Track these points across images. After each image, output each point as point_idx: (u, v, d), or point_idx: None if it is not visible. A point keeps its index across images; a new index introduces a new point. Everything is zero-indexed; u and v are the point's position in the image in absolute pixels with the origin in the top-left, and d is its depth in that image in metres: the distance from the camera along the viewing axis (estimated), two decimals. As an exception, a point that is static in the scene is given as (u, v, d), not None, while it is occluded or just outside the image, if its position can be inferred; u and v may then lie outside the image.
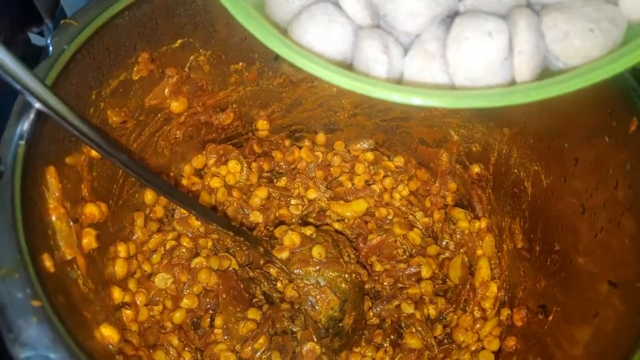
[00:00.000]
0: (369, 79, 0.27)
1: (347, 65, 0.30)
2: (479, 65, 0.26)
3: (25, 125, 0.33)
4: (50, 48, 0.36)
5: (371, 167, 0.64)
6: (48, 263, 0.29)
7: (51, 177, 0.33)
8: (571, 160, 0.43)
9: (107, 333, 0.33)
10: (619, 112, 0.37)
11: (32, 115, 0.33)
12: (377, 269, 0.57)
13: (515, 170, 0.51)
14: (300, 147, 0.63)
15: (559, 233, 0.44)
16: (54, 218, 0.32)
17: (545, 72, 0.28)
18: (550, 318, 0.42)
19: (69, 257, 0.33)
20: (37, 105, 0.32)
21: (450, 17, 0.29)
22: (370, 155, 0.64)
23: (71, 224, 0.34)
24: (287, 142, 0.63)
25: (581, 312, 0.37)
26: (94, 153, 0.40)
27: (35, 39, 1.46)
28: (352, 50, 0.29)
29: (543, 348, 0.42)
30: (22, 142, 0.32)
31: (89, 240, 0.37)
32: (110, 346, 0.33)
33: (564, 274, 0.42)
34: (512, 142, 0.50)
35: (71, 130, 0.33)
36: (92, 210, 0.37)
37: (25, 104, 0.33)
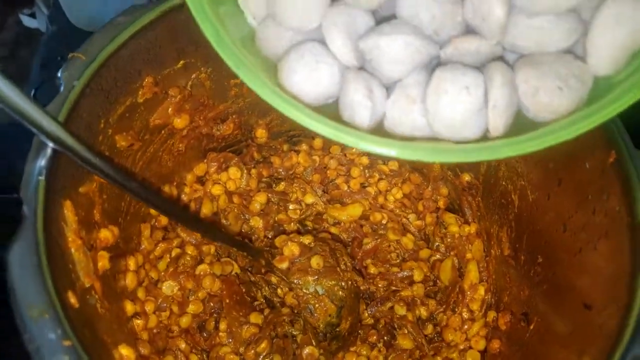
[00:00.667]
0: (351, 130, 0.28)
1: (333, 103, 0.31)
2: (456, 115, 0.28)
3: (43, 162, 0.35)
4: (62, 84, 0.37)
5: (366, 171, 0.67)
6: (72, 300, 0.31)
7: (68, 211, 0.35)
8: (555, 180, 0.45)
9: (125, 353, 0.36)
10: (600, 143, 0.39)
11: (49, 152, 0.35)
12: (372, 272, 0.60)
13: (504, 183, 0.53)
14: (297, 152, 0.65)
15: (543, 247, 0.47)
16: (73, 250, 0.35)
17: (519, 118, 0.30)
18: (532, 327, 0.46)
19: (87, 285, 0.35)
20: (52, 145, 0.34)
21: (430, 65, 0.31)
22: (365, 159, 0.66)
23: (87, 252, 0.37)
24: (285, 147, 0.65)
25: (558, 326, 0.41)
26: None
27: (26, 20, 1.45)
28: (338, 89, 0.30)
29: (525, 355, 0.45)
30: (42, 179, 0.34)
31: (103, 263, 0.40)
32: (128, 365, 0.36)
33: (546, 286, 0.45)
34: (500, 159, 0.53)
35: (85, 166, 0.35)
36: (106, 235, 0.40)
37: (42, 141, 0.35)
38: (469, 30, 0.30)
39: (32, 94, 0.89)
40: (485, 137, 0.29)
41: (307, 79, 0.29)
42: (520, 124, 0.29)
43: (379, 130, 0.30)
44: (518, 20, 0.29)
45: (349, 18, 0.31)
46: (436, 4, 0.29)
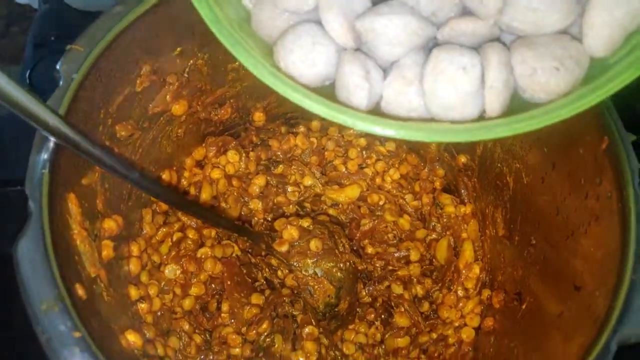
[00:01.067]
0: (348, 110, 0.28)
1: (330, 85, 0.31)
2: (453, 96, 0.28)
3: (45, 155, 0.35)
4: (62, 77, 0.37)
5: (364, 152, 0.67)
6: (80, 291, 0.33)
7: (72, 203, 0.36)
8: (549, 164, 0.46)
9: (132, 339, 0.37)
10: (593, 129, 0.40)
11: (51, 145, 0.36)
12: (369, 252, 0.62)
13: (499, 165, 0.54)
14: (295, 134, 0.66)
15: (536, 228, 0.48)
16: (78, 242, 0.36)
17: (514, 99, 0.30)
18: (524, 306, 0.47)
19: (93, 275, 0.37)
20: (54, 139, 0.34)
21: (427, 47, 0.31)
22: (363, 141, 0.67)
23: (92, 242, 0.38)
24: (283, 129, 0.66)
25: (550, 306, 0.42)
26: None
27: (18, -4, 1.42)
28: (334, 71, 0.30)
29: (517, 332, 0.47)
30: (45, 172, 0.35)
31: (108, 252, 0.41)
32: (136, 350, 0.37)
33: (539, 267, 0.47)
34: (497, 139, 0.53)
35: (88, 158, 0.35)
36: (110, 226, 0.40)
37: (43, 135, 0.36)
38: (466, 12, 0.30)
39: (27, 75, 0.89)
40: (482, 118, 0.29)
41: (304, 60, 0.29)
42: (517, 105, 0.29)
43: (376, 111, 0.30)
44: (515, 1, 0.29)
45: None
46: None
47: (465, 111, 0.29)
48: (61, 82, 0.37)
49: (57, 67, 0.38)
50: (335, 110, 0.28)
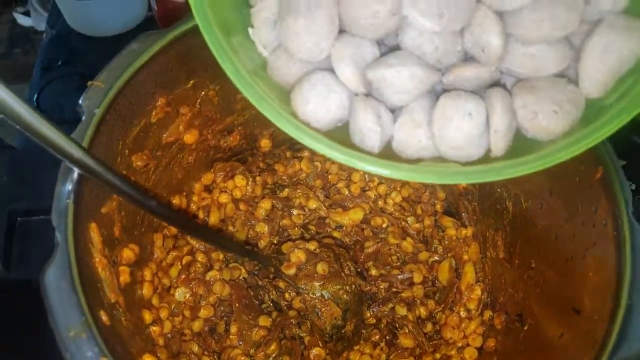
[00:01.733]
0: (364, 156, 0.31)
1: (342, 126, 0.33)
2: (460, 138, 0.31)
3: (70, 186, 0.37)
4: (84, 112, 0.39)
5: (366, 175, 0.69)
6: (104, 317, 0.34)
7: (94, 232, 0.38)
8: (547, 190, 0.48)
9: (149, 362, 0.39)
10: (588, 159, 0.42)
11: (75, 176, 0.38)
12: (373, 274, 0.63)
13: (499, 190, 0.56)
14: (300, 158, 0.68)
15: (536, 252, 0.50)
16: (99, 269, 0.37)
17: (516, 137, 0.32)
18: (526, 327, 0.49)
19: (113, 301, 0.38)
20: (78, 170, 0.36)
21: (433, 90, 0.33)
22: (365, 165, 0.69)
23: (112, 269, 0.39)
24: (288, 154, 0.68)
25: (550, 329, 0.44)
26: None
27: (20, 19, 1.45)
28: (347, 114, 0.33)
29: (519, 353, 0.48)
30: (69, 202, 0.37)
31: (125, 277, 0.42)
32: (153, 374, 0.39)
33: (539, 290, 0.49)
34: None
35: (109, 188, 0.37)
36: (128, 255, 0.42)
37: (68, 167, 0.38)
38: (468, 57, 0.33)
39: (34, 99, 0.91)
40: (487, 155, 0.32)
41: (320, 107, 0.31)
42: (519, 142, 0.32)
43: (387, 151, 0.33)
44: (514, 48, 0.31)
45: (356, 49, 0.33)
46: (438, 36, 0.32)
47: (472, 151, 0.32)
48: (84, 117, 0.39)
49: (80, 102, 0.40)
50: (353, 157, 0.30)
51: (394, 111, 0.32)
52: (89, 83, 0.41)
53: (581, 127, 0.31)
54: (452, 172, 0.31)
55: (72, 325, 0.31)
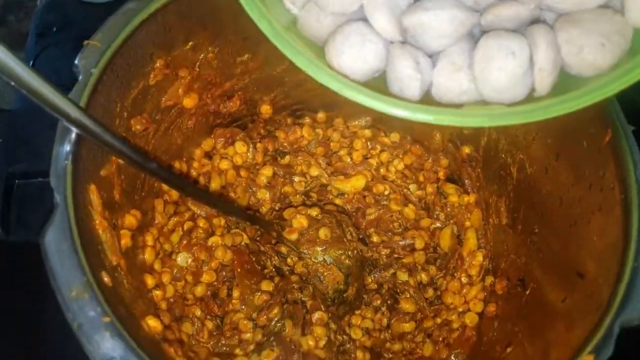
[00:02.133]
0: (407, 104, 0.30)
1: (379, 77, 0.32)
2: (504, 79, 0.29)
3: (68, 147, 0.36)
4: (80, 72, 0.38)
5: (368, 143, 0.68)
6: (106, 279, 0.34)
7: (93, 194, 0.37)
8: (553, 155, 0.47)
9: (153, 324, 0.39)
10: (597, 122, 0.41)
11: (73, 137, 0.37)
12: (375, 240, 0.63)
13: (503, 156, 0.55)
14: (301, 125, 0.67)
15: (539, 217, 0.50)
16: (100, 232, 0.37)
17: (561, 75, 0.31)
18: (528, 292, 0.49)
19: (115, 264, 0.38)
20: (77, 130, 0.36)
21: (471, 33, 0.32)
22: (367, 132, 0.68)
23: (112, 232, 0.39)
24: (289, 121, 0.67)
25: (553, 293, 0.44)
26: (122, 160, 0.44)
27: None
28: (384, 64, 0.31)
29: (521, 318, 0.49)
30: (68, 163, 0.36)
31: (126, 240, 0.42)
32: (156, 335, 0.39)
33: (542, 255, 0.48)
34: (501, 130, 0.55)
35: (108, 149, 0.36)
36: (131, 221, 0.42)
37: (66, 128, 0.37)
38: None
39: (30, 66, 0.89)
40: (531, 96, 0.30)
41: (355, 58, 0.30)
42: (562, 80, 0.30)
43: (427, 98, 0.32)
44: None
45: None
46: None
47: (517, 92, 0.30)
48: (80, 77, 0.38)
49: (76, 62, 0.39)
50: (395, 105, 0.29)
51: (432, 57, 0.31)
52: (85, 42, 0.40)
53: (629, 59, 0.29)
54: (499, 114, 0.30)
55: (74, 285, 0.31)
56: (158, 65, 0.46)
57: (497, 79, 0.29)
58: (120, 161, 0.44)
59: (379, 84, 0.31)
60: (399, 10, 0.30)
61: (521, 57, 0.29)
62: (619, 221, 0.37)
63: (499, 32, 0.29)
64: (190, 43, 0.48)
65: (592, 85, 0.29)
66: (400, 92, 0.30)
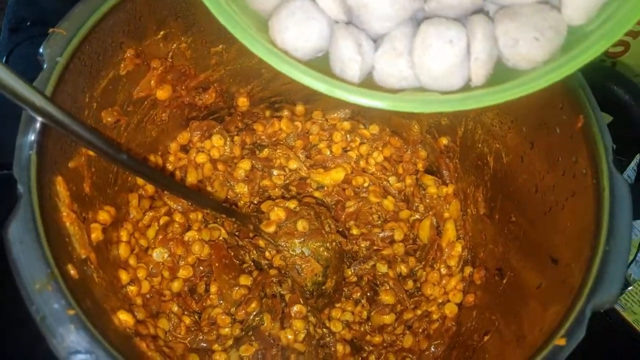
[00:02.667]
0: (344, 85, 0.30)
1: (322, 57, 0.32)
2: (440, 67, 0.30)
3: (32, 136, 0.35)
4: (45, 60, 0.37)
5: (348, 135, 0.68)
6: (72, 271, 0.33)
7: (60, 186, 0.36)
8: (528, 143, 0.48)
9: (124, 318, 0.38)
10: (569, 108, 0.41)
11: (37, 126, 0.36)
12: (354, 233, 0.63)
13: (480, 145, 0.56)
14: (279, 118, 0.66)
15: (516, 206, 0.50)
16: (67, 224, 0.36)
17: (497, 67, 0.31)
18: (505, 281, 0.49)
19: (83, 257, 0.37)
20: (42, 119, 0.34)
21: (415, 18, 0.32)
22: (347, 124, 0.67)
23: (82, 224, 0.38)
24: (267, 113, 0.66)
25: (529, 280, 0.44)
26: (91, 152, 0.42)
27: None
28: (327, 43, 0.31)
29: (498, 305, 0.49)
30: (32, 153, 0.35)
31: (97, 234, 0.41)
32: (128, 329, 0.38)
33: (518, 243, 0.49)
34: (477, 120, 0.55)
35: (75, 139, 0.35)
36: (104, 217, 0.41)
37: (30, 117, 0.36)
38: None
39: (3, 61, 0.88)
40: (468, 86, 0.31)
41: (299, 35, 0.30)
42: (500, 72, 0.31)
43: (368, 81, 0.32)
44: None
45: None
46: None
47: (453, 81, 0.30)
48: (45, 66, 0.37)
49: (40, 50, 0.38)
50: (333, 85, 0.29)
51: (376, 41, 0.31)
52: (50, 30, 0.38)
53: (562, 54, 0.30)
54: (431, 100, 0.30)
55: (38, 278, 0.30)
56: (128, 54, 0.45)
57: (434, 66, 0.29)
58: (90, 153, 0.43)
59: (322, 64, 0.31)
60: None
61: (458, 46, 0.29)
62: (591, 206, 0.37)
63: (440, 20, 0.30)
64: (161, 32, 0.47)
65: (524, 77, 0.29)
66: (342, 73, 0.30)
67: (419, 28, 0.30)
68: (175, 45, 0.50)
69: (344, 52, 0.30)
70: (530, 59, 0.30)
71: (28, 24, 0.93)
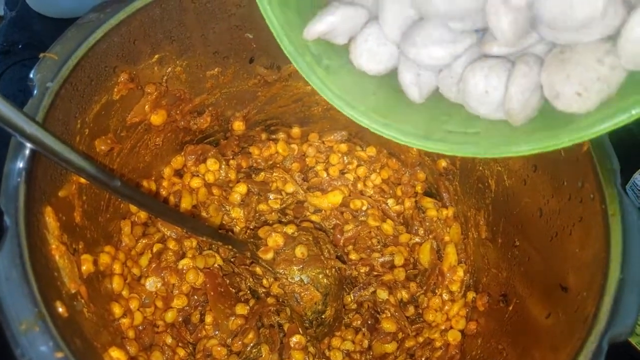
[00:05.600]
0: (401, 130, 0.32)
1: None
2: (479, 111, 0.31)
3: (21, 164, 0.34)
4: (35, 86, 0.36)
5: (345, 157, 0.67)
6: (61, 309, 0.31)
7: (49, 217, 0.35)
8: (531, 166, 0.47)
9: (116, 355, 0.36)
10: (574, 131, 0.40)
11: (27, 153, 0.34)
12: (353, 258, 0.61)
13: (480, 168, 0.55)
14: (275, 141, 0.65)
15: (519, 230, 0.49)
16: (57, 257, 0.34)
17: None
18: (511, 308, 0.47)
19: (73, 291, 0.35)
20: (32, 146, 0.33)
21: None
22: (344, 147, 0.66)
23: (71, 257, 0.36)
24: (263, 136, 0.65)
25: (537, 308, 0.42)
26: (83, 179, 0.41)
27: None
28: (397, 60, 0.34)
29: (504, 334, 0.47)
30: (20, 181, 0.33)
31: (88, 266, 0.39)
32: (120, 368, 0.36)
33: (523, 268, 0.47)
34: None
35: (66, 166, 0.34)
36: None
37: (19, 143, 0.34)
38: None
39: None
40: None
41: (372, 59, 0.33)
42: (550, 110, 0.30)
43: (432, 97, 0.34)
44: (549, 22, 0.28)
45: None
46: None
47: (495, 115, 0.32)
48: (35, 91, 0.36)
49: (31, 75, 0.37)
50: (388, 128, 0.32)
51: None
52: (41, 55, 0.37)
53: (618, 100, 0.27)
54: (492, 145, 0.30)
55: (24, 317, 0.28)
56: (122, 79, 0.43)
57: (473, 107, 0.31)
58: (82, 181, 0.41)
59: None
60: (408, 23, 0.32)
61: (493, 95, 0.30)
62: (600, 231, 0.36)
63: (482, 67, 0.30)
64: (156, 56, 0.46)
65: (574, 125, 0.28)
66: (406, 92, 0.33)
67: (468, 66, 0.31)
68: (170, 68, 0.49)
69: (403, 79, 0.33)
70: (574, 111, 0.28)
71: (20, 46, 0.92)
